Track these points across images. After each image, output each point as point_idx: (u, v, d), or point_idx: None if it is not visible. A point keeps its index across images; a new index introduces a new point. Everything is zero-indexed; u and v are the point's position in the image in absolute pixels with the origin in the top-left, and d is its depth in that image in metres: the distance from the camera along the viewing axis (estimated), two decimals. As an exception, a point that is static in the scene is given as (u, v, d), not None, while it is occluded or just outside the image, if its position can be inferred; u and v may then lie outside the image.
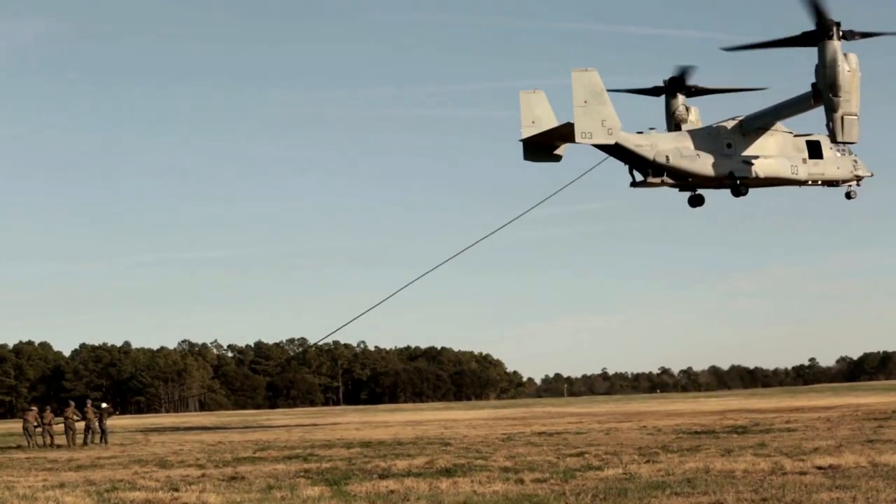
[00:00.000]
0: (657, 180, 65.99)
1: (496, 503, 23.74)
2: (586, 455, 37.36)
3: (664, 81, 69.50)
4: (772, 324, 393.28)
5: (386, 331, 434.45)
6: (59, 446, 60.10)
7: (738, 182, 66.43)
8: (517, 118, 65.19)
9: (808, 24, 60.07)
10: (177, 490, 28.44)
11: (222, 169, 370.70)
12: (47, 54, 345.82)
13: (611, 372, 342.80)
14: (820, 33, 60.46)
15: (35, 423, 62.82)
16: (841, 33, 60.41)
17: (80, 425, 63.20)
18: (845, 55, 61.02)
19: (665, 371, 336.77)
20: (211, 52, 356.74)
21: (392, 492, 26.58)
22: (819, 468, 28.79)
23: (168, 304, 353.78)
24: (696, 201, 69.88)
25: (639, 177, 66.19)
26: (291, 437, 63.85)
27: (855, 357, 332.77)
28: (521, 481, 28.21)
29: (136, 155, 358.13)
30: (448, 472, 31.63)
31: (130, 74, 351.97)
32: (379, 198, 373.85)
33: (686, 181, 66.99)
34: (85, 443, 61.89)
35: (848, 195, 69.06)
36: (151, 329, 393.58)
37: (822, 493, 22.92)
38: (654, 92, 70.03)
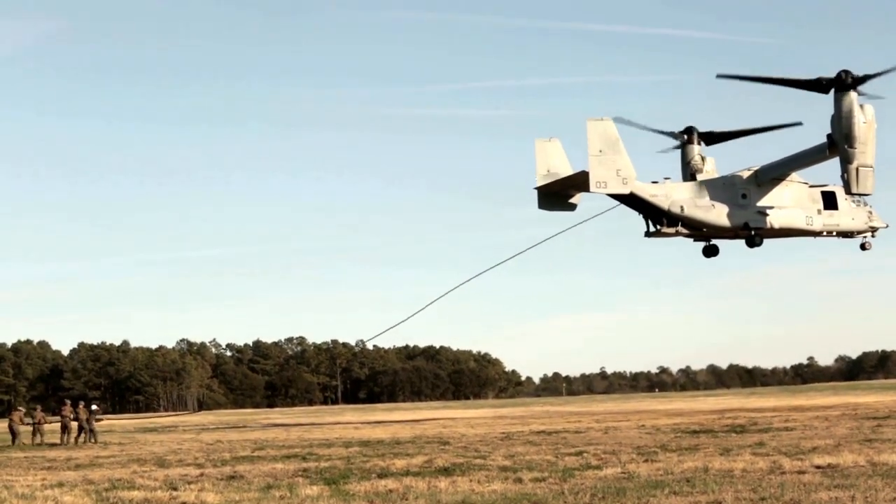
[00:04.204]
0: (672, 230, 65.69)
1: (495, 502, 23.71)
2: (585, 454, 37.33)
3: (680, 132, 69.11)
4: (770, 323, 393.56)
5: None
6: (52, 445, 60.17)
7: (752, 233, 66.25)
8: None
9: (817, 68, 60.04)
10: (175, 489, 28.39)
11: (221, 167, 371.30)
12: (47, 54, 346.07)
13: (609, 371, 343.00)
14: (836, 84, 60.18)
15: (19, 423, 63.29)
16: (853, 80, 60.11)
17: (74, 425, 63.43)
18: (861, 106, 60.81)
19: (664, 370, 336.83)
20: (211, 52, 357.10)
21: (391, 491, 26.54)
22: (818, 467, 28.75)
23: (167, 303, 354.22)
24: (710, 251, 69.72)
25: (653, 226, 66.01)
26: (290, 437, 63.81)
27: (853, 356, 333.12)
28: (520, 480, 28.18)
29: (135, 154, 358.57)
30: (447, 471, 31.60)
31: (130, 74, 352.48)
32: (379, 197, 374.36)
33: (701, 231, 66.69)
34: (76, 442, 62.02)
35: (863, 246, 69.96)
36: (150, 328, 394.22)
37: (821, 493, 22.89)
38: (671, 135, 69.60)
